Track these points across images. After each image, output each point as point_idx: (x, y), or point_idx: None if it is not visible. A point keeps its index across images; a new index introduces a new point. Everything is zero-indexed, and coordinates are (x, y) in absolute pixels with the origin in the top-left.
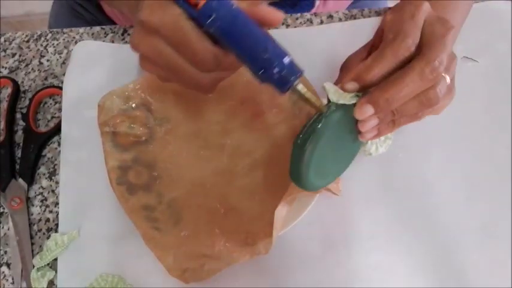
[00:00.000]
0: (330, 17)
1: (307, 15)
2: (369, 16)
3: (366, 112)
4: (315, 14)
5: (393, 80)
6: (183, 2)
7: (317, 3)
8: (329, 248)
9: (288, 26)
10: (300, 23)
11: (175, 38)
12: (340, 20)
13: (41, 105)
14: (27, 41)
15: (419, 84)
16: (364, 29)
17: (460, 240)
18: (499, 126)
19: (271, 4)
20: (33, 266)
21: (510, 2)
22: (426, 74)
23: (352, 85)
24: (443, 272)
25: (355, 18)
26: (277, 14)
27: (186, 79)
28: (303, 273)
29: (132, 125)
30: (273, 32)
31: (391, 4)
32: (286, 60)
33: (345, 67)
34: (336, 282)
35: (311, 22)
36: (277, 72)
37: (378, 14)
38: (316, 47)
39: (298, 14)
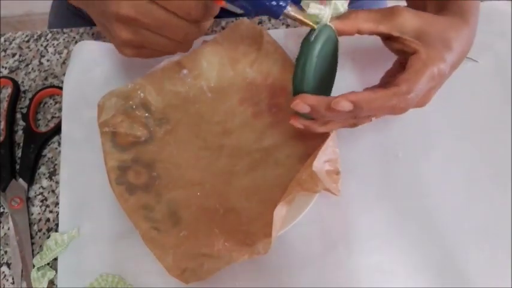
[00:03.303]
0: None
1: None
2: None
3: (343, 107)
4: None
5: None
6: None
7: None
8: (329, 248)
9: (288, 26)
10: None
11: None
12: None
13: (41, 105)
14: (27, 41)
15: (391, 105)
16: None
17: (460, 240)
18: (499, 126)
19: None
20: (34, 266)
21: (510, 2)
22: (399, 103)
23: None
24: (443, 272)
25: None
26: None
27: (179, 34)
28: (303, 273)
29: (132, 125)
30: (273, 32)
31: (390, 4)
32: None
33: (347, 16)
34: (336, 282)
35: None
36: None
37: None
38: None
39: None
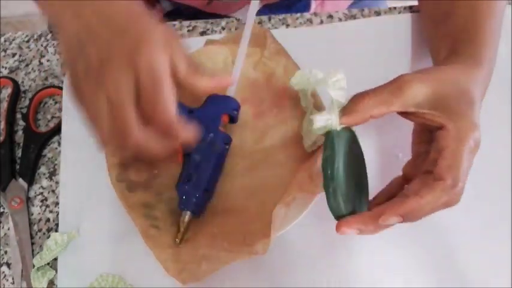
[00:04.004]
0: (330, 17)
1: (307, 15)
2: (369, 16)
3: (393, 221)
4: (315, 14)
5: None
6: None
7: (313, 6)
8: (329, 248)
9: (288, 26)
10: (300, 23)
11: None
12: (340, 20)
13: (41, 105)
14: (27, 41)
15: (442, 203)
16: (364, 29)
17: (460, 240)
18: (499, 126)
19: (266, 6)
20: (34, 266)
21: (510, 2)
22: (451, 198)
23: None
24: (443, 272)
25: (355, 18)
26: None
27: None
28: (303, 273)
29: None
30: (273, 32)
31: (390, 4)
32: None
33: (355, 109)
34: (335, 282)
35: (311, 22)
36: None
37: (377, 14)
38: (316, 47)
39: (298, 14)
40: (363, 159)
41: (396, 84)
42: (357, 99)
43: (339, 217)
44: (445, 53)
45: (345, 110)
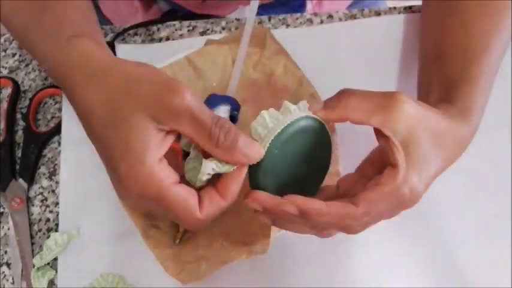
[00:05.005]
0: (330, 17)
1: (307, 15)
2: (369, 16)
3: (289, 210)
4: (315, 14)
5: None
6: None
7: (309, 5)
8: (329, 248)
9: (288, 26)
10: (300, 23)
11: None
12: (340, 20)
13: (41, 105)
14: None
15: (343, 225)
16: (364, 29)
17: (460, 240)
18: (499, 126)
19: (261, 5)
20: (34, 266)
21: (509, 1)
22: (353, 226)
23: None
24: (443, 272)
25: (355, 18)
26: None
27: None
28: (303, 273)
29: None
30: (273, 32)
31: (390, 4)
32: None
33: (335, 104)
34: (336, 283)
35: (311, 22)
36: None
37: (377, 14)
38: (316, 47)
39: (298, 14)
40: (324, 156)
41: (389, 99)
42: (342, 95)
43: (253, 186)
44: (436, 95)
45: (326, 102)
